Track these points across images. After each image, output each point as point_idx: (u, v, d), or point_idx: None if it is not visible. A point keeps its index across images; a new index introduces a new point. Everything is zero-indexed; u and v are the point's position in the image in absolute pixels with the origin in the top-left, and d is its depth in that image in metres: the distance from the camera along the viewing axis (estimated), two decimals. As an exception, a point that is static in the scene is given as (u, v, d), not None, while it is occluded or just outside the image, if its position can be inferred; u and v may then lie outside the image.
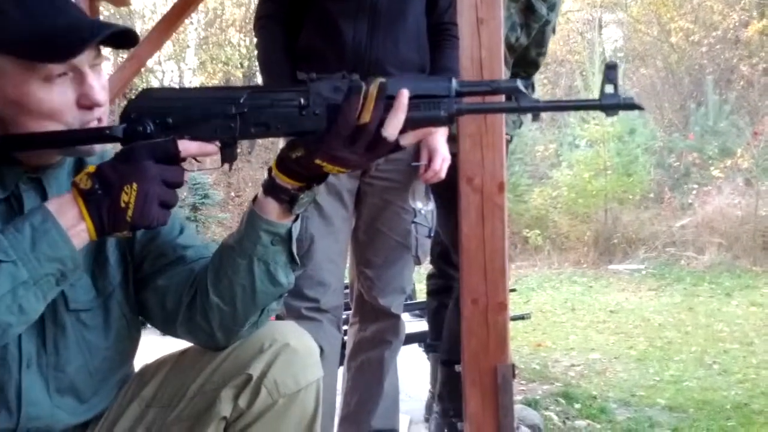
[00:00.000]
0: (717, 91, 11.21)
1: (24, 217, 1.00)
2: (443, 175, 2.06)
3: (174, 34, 5.86)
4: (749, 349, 4.96)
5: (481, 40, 2.07)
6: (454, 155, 2.09)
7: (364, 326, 2.26)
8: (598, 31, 14.57)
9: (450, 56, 2.10)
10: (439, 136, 2.06)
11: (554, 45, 15.87)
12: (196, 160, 1.09)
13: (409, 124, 1.03)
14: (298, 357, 1.20)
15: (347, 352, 2.32)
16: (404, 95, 1.01)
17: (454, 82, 1.04)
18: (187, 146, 1.05)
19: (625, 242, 9.54)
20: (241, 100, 1.05)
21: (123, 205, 1.00)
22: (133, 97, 1.09)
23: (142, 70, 8.78)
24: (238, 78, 13.87)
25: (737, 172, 9.72)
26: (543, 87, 14.62)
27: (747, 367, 4.48)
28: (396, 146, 1.04)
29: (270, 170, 1.12)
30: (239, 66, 13.96)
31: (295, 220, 1.16)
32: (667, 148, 11.04)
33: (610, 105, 1.02)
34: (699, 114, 10.86)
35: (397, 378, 2.35)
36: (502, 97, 1.13)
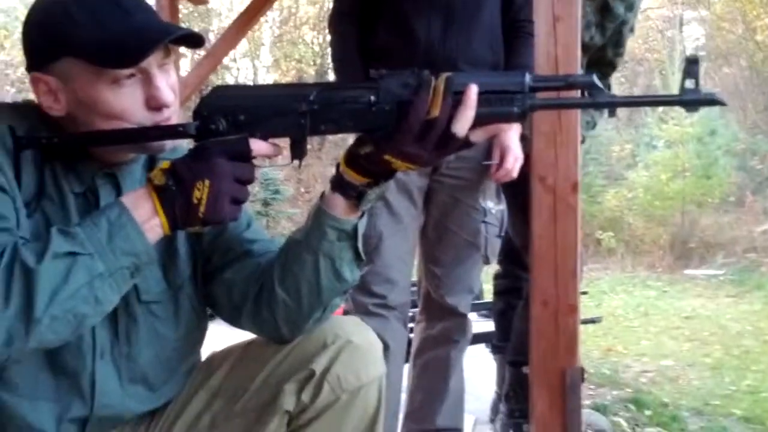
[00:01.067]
0: (804, 91, 10.75)
1: (100, 211, 1.03)
2: (515, 174, 2.04)
3: (249, 31, 5.97)
4: (832, 361, 4.75)
5: (557, 38, 2.03)
6: (527, 155, 2.06)
7: (431, 324, 2.26)
8: (679, 29, 14.16)
9: (525, 54, 2.07)
10: (512, 135, 2.04)
11: (632, 43, 15.47)
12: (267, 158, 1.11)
13: (480, 120, 1.01)
14: (361, 353, 1.21)
15: (413, 349, 2.32)
16: (473, 90, 1.00)
17: (527, 76, 1.02)
18: (258, 146, 1.06)
19: (703, 247, 9.25)
20: (311, 97, 1.05)
21: (195, 201, 1.02)
22: (205, 95, 1.10)
23: (218, 67, 8.98)
24: (310, 75, 14.03)
25: (825, 176, 9.31)
26: (620, 86, 14.28)
27: (829, 380, 4.29)
28: (466, 143, 1.03)
29: (338, 166, 1.12)
30: (312, 63, 14.11)
31: (362, 216, 1.16)
32: (749, 150, 10.65)
33: (690, 100, 0.99)
34: (785, 115, 10.44)
35: (462, 377, 2.34)
36: (578, 93, 1.11)
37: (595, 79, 1.01)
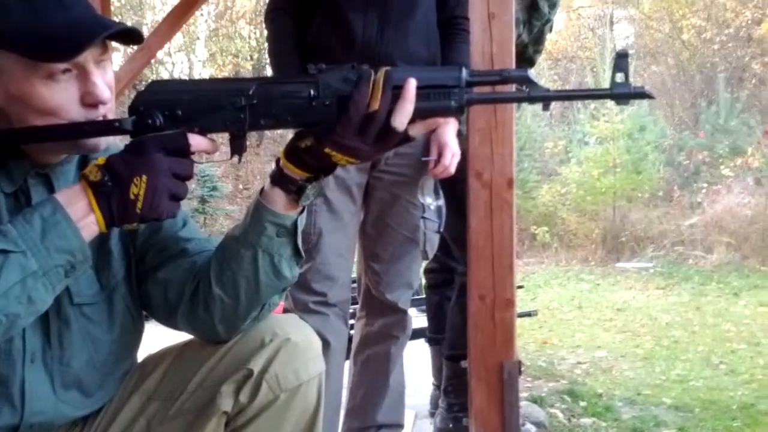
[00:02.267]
0: (728, 89, 11.16)
1: (33, 208, 1.00)
2: (453, 170, 2.05)
3: (184, 25, 5.86)
4: (756, 350, 4.94)
5: (492, 35, 2.06)
6: (463, 151, 2.08)
7: (371, 320, 2.26)
8: (610, 28, 14.50)
9: (461, 50, 2.09)
10: (449, 131, 2.06)
11: (565, 41, 15.82)
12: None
13: (419, 114, 1.02)
14: (300, 351, 1.20)
15: (354, 346, 2.32)
16: (411, 84, 1.00)
17: (464, 71, 1.03)
18: (197, 141, 1.04)
19: (634, 240, 9.50)
20: (250, 92, 1.04)
21: (132, 197, 0.99)
22: (141, 89, 1.08)
23: (152, 61, 8.79)
24: (247, 70, 13.87)
25: (747, 171, 9.68)
26: (553, 83, 14.56)
27: (754, 368, 4.46)
28: (405, 137, 1.04)
29: (278, 161, 1.11)
30: (249, 58, 13.94)
31: (301, 212, 1.15)
32: (677, 146, 10.99)
33: (620, 94, 1.01)
34: (710, 112, 10.81)
35: (403, 373, 2.35)
36: (512, 88, 1.12)
37: (530, 73, 1.03)
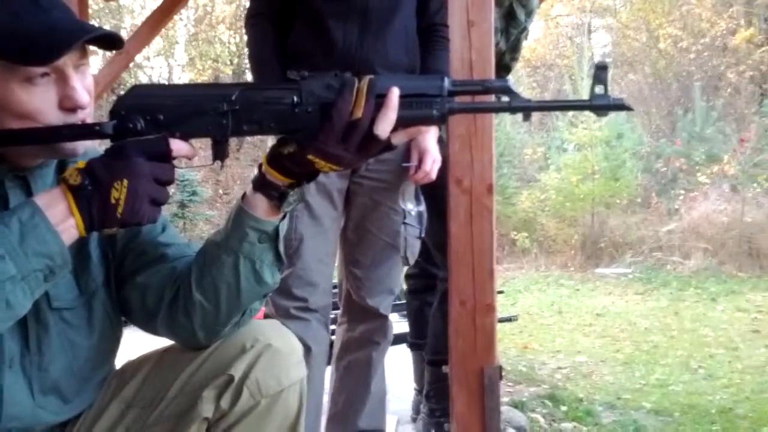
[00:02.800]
0: (704, 97, 11.29)
1: (11, 211, 0.98)
2: (434, 176, 2.06)
3: (163, 29, 5.83)
4: (734, 354, 4.99)
5: (471, 42, 2.07)
6: (444, 157, 2.09)
7: (353, 326, 2.26)
8: (588, 36, 14.64)
9: (440, 58, 2.10)
10: (430, 137, 2.06)
11: (543, 49, 15.96)
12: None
13: (402, 123, 1.02)
14: (281, 357, 1.19)
15: (335, 351, 2.31)
16: (394, 93, 1.01)
17: (446, 81, 1.04)
18: (178, 146, 1.04)
19: (612, 246, 9.58)
20: (233, 97, 1.04)
21: (113, 201, 0.98)
22: (123, 93, 1.07)
23: (131, 65, 8.74)
24: (227, 75, 13.83)
25: (723, 178, 9.79)
26: (532, 90, 14.66)
27: (732, 372, 4.50)
28: (388, 146, 1.04)
29: (260, 166, 1.11)
30: (229, 63, 13.91)
31: (283, 218, 1.15)
32: (654, 153, 11.10)
33: (600, 105, 1.03)
34: (686, 120, 10.93)
35: (384, 378, 2.35)
36: (493, 98, 1.13)
37: (511, 83, 1.04)
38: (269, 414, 1.19)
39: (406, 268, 2.65)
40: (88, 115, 1.09)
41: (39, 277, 0.97)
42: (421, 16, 2.12)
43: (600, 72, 1.02)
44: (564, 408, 3.48)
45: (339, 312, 2.32)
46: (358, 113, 1.00)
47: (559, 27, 16.17)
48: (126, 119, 1.04)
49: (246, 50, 2.25)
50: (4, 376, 1.10)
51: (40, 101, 1.04)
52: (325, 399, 2.25)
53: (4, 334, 1.07)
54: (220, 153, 1.07)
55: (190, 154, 1.06)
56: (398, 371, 3.18)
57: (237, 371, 1.16)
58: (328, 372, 2.29)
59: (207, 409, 1.17)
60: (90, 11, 3.28)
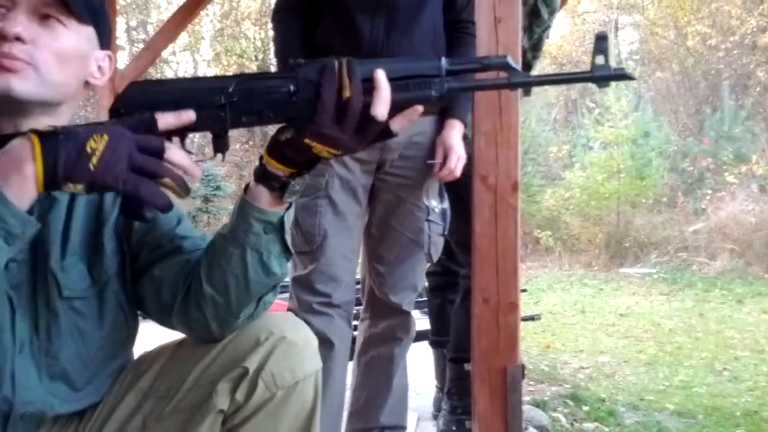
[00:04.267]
0: (733, 96, 11.16)
1: None
2: (458, 173, 2.05)
3: (189, 25, 5.87)
4: (760, 357, 4.93)
5: (498, 39, 2.05)
6: (469, 155, 2.08)
7: (375, 322, 2.26)
8: (614, 33, 14.51)
9: (467, 54, 2.09)
10: (455, 135, 2.06)
11: (569, 46, 15.84)
12: (183, 134, 1.06)
13: (400, 105, 1.02)
14: (295, 349, 1.19)
15: (357, 347, 2.32)
16: (380, 74, 1.00)
17: (443, 60, 1.03)
18: (164, 118, 1.01)
19: (637, 246, 9.50)
20: (230, 89, 1.03)
21: (89, 150, 0.91)
22: (120, 92, 1.06)
23: (157, 60, 8.81)
24: (252, 70, 13.89)
25: (752, 178, 9.68)
26: (557, 87, 14.57)
27: (757, 375, 4.45)
28: (387, 131, 1.03)
29: (261, 157, 1.10)
30: (254, 59, 13.98)
31: (288, 208, 1.14)
32: (681, 152, 11.00)
33: (601, 76, 1.02)
34: (714, 119, 10.81)
35: (406, 375, 2.34)
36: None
37: (510, 59, 1.03)
38: (285, 406, 1.18)
39: (428, 266, 2.65)
40: (29, 54, 1.06)
41: None
42: (447, 12, 2.12)
43: (600, 42, 1.02)
44: (586, 408, 3.46)
45: (362, 308, 2.32)
46: (347, 93, 1.00)
47: (586, 24, 16.04)
48: (125, 115, 1.03)
49: (272, 46, 2.25)
50: (15, 360, 1.11)
51: None
52: (347, 394, 2.26)
53: (17, 319, 1.08)
54: (220, 146, 1.06)
55: (180, 124, 1.03)
56: (420, 368, 3.18)
57: (252, 363, 1.16)
58: (350, 368, 2.29)
59: (222, 401, 1.17)
60: (117, 6, 3.30)
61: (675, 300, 7.39)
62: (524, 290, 3.88)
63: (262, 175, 1.10)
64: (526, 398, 3.15)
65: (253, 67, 13.84)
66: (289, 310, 2.04)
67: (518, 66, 1.03)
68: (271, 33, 2.21)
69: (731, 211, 9.18)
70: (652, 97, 12.59)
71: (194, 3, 3.73)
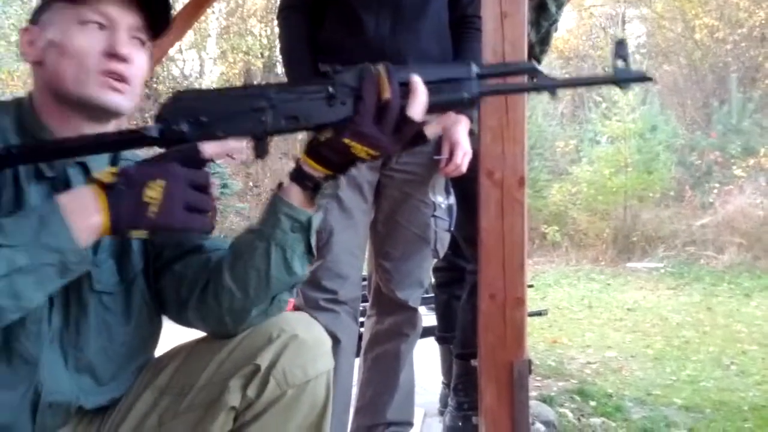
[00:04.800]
0: (741, 89, 11.10)
1: (35, 205, 1.02)
2: (464, 169, 2.05)
3: (195, 23, 5.87)
4: (768, 351, 4.92)
5: (504, 34, 2.05)
6: (475, 150, 2.08)
7: (381, 318, 2.26)
8: (622, 27, 14.45)
9: (473, 49, 2.09)
10: (461, 129, 2.06)
11: (576, 40, 15.78)
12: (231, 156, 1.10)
13: (434, 107, 1.07)
14: (308, 348, 1.20)
15: (364, 343, 2.32)
16: (416, 77, 1.06)
17: (473, 65, 1.07)
18: (209, 148, 1.06)
19: (645, 240, 9.48)
20: (271, 95, 1.08)
21: (147, 199, 0.99)
22: (165, 100, 1.11)
23: (164, 58, 8.82)
24: (258, 68, 13.90)
25: (760, 171, 9.63)
26: (564, 82, 14.50)
27: (765, 369, 4.44)
28: (421, 137, 1.07)
29: (298, 159, 1.14)
30: (260, 56, 13.97)
31: (317, 211, 1.17)
32: (688, 146, 10.95)
33: (623, 78, 1.08)
34: (722, 112, 10.76)
35: (412, 371, 2.35)
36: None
37: (536, 64, 1.09)
38: (296, 404, 1.20)
39: (434, 261, 2.65)
40: (129, 74, 1.15)
41: (50, 271, 0.97)
42: (453, 7, 2.12)
43: (620, 46, 1.08)
44: (593, 403, 3.46)
45: (368, 304, 2.33)
46: (386, 94, 1.04)
47: (593, 17, 15.98)
48: (170, 123, 1.07)
49: (277, 43, 2.25)
50: (46, 351, 1.13)
51: (87, 42, 1.13)
52: (354, 391, 2.26)
53: (52, 310, 1.11)
54: (260, 150, 1.10)
55: (223, 151, 1.08)
56: (426, 364, 3.18)
57: (263, 361, 1.18)
58: (357, 364, 2.30)
59: (234, 398, 1.18)
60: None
61: (682, 294, 7.38)
62: (531, 286, 3.88)
63: (297, 175, 1.14)
64: (533, 393, 3.15)
65: (259, 65, 13.84)
66: (295, 307, 2.04)
67: (542, 69, 1.09)
68: (276, 30, 2.21)
69: (739, 204, 9.14)
70: (660, 91, 12.53)
71: (200, 1, 3.73)
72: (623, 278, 8.40)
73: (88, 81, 1.13)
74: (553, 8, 2.73)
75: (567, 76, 14.35)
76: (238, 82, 13.77)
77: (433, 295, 3.02)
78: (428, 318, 2.92)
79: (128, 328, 1.23)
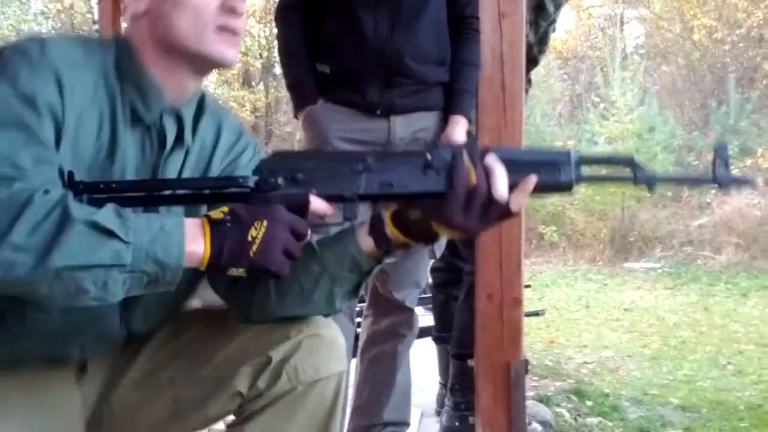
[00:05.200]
0: (739, 89, 11.11)
1: (163, 215, 1.07)
2: (462, 169, 2.06)
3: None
4: (764, 350, 4.92)
5: (502, 34, 2.05)
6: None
7: (378, 319, 2.26)
8: (620, 27, 14.46)
9: (471, 49, 2.10)
10: (459, 131, 2.06)
11: (575, 40, 15.78)
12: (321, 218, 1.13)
13: (534, 190, 1.08)
14: (322, 347, 1.22)
15: (360, 344, 2.32)
16: (492, 156, 1.07)
17: (573, 152, 1.09)
18: (317, 203, 1.09)
19: (642, 240, 9.48)
20: (368, 159, 1.10)
21: (250, 239, 1.02)
22: (264, 156, 1.15)
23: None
24: (257, 69, 13.89)
25: (757, 171, 9.63)
26: (563, 82, 14.53)
27: (762, 369, 4.45)
28: (508, 213, 1.08)
29: (380, 216, 1.16)
30: (258, 57, 13.97)
31: (380, 264, 1.20)
32: (686, 146, 10.95)
33: (725, 182, 1.11)
34: (720, 113, 10.77)
35: (409, 371, 2.35)
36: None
37: (636, 157, 1.11)
38: (303, 401, 1.21)
39: (431, 262, 2.65)
40: (240, 28, 1.17)
41: (143, 279, 0.99)
42: (451, 7, 2.12)
43: (721, 150, 1.12)
44: (590, 403, 3.46)
45: (365, 305, 2.33)
46: (473, 180, 1.05)
47: (591, 18, 15.98)
48: (267, 176, 1.10)
49: (276, 43, 2.25)
50: None
51: None
52: (350, 391, 2.27)
53: None
54: (350, 212, 1.12)
55: (327, 213, 1.11)
56: (423, 364, 3.19)
57: (277, 354, 1.20)
58: (354, 365, 2.30)
59: (241, 383, 1.21)
60: (122, 5, 3.31)
61: (679, 294, 7.38)
62: (528, 286, 3.88)
63: (377, 233, 1.17)
64: (529, 393, 3.16)
65: (257, 66, 13.84)
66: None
67: (641, 162, 1.10)
68: (275, 31, 2.21)
69: (736, 204, 9.14)
70: (658, 92, 12.53)
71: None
72: (620, 278, 8.40)
73: (205, 36, 1.13)
74: (551, 8, 2.73)
75: (566, 77, 14.35)
76: (237, 83, 13.77)
77: (430, 295, 3.03)
78: (425, 318, 2.93)
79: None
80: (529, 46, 2.75)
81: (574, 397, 3.51)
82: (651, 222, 9.66)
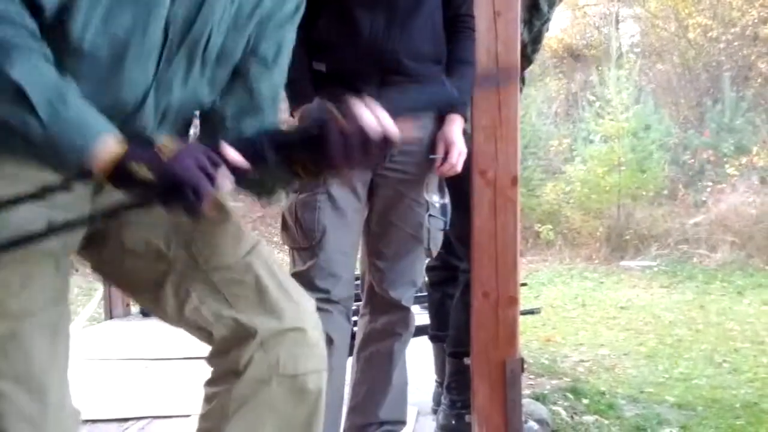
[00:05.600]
0: (734, 88, 11.14)
1: (96, 115, 1.01)
2: (459, 168, 2.06)
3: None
4: (760, 348, 4.94)
5: (497, 33, 2.06)
6: (469, 150, 2.09)
7: (375, 318, 2.26)
8: (615, 26, 14.48)
9: (466, 48, 2.10)
10: (456, 129, 2.06)
11: (570, 39, 15.79)
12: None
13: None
14: (305, 344, 1.23)
15: (357, 343, 2.32)
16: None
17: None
18: (231, 151, 1.04)
19: (638, 239, 9.50)
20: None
21: (162, 147, 0.99)
22: None
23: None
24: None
25: (752, 170, 9.67)
26: (558, 80, 14.55)
27: (757, 366, 4.46)
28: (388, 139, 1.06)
29: None
30: (254, 54, 13.95)
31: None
32: (682, 144, 10.98)
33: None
34: (715, 111, 10.80)
35: (405, 370, 2.35)
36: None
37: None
38: (281, 396, 1.20)
39: (427, 260, 2.65)
40: None
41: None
42: (447, 6, 2.12)
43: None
44: (586, 401, 3.47)
45: (361, 303, 2.33)
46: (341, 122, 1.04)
47: (587, 17, 16.00)
48: None
49: (271, 41, 2.24)
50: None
51: None
52: (346, 390, 2.26)
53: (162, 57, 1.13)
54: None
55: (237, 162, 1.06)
56: (419, 363, 3.19)
57: (263, 334, 1.19)
58: (350, 363, 2.30)
59: (218, 330, 1.21)
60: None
61: (675, 292, 7.40)
62: (524, 284, 3.89)
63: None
64: (526, 392, 3.16)
65: (253, 62, 13.80)
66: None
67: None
68: (269, 29, 2.20)
69: (732, 203, 9.17)
70: (653, 90, 12.56)
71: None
72: (616, 276, 8.42)
73: None
74: (545, 7, 2.73)
75: (561, 75, 14.37)
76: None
77: (426, 293, 3.03)
78: (421, 317, 2.93)
79: (204, 99, 1.26)
80: (524, 45, 2.75)
81: (570, 396, 3.52)
82: (647, 220, 9.68)
